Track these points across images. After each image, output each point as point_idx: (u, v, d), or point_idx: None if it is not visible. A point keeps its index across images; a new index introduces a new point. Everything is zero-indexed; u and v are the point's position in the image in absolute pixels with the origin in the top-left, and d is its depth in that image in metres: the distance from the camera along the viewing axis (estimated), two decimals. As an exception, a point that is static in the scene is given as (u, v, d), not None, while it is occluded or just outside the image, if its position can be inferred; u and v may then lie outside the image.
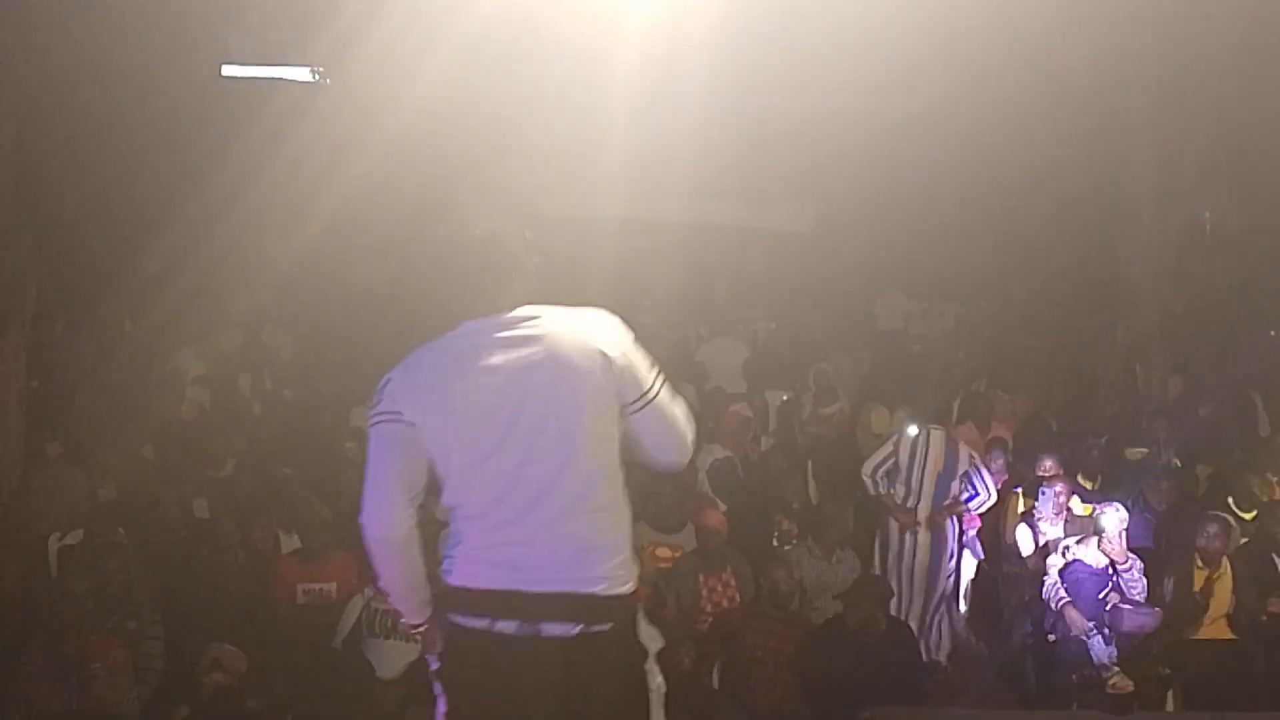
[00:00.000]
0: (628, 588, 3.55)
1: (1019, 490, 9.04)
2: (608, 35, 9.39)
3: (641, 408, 3.57)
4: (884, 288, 13.47)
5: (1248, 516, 8.53)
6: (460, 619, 3.52)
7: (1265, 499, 8.61)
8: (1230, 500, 8.63)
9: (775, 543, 8.34)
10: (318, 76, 14.78)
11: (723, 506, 8.47)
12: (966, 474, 8.66)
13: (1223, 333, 11.52)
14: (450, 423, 3.45)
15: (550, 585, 3.45)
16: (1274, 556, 8.15)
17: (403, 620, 3.77)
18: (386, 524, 3.52)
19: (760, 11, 9.36)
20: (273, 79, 14.68)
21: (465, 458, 3.47)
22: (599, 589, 3.48)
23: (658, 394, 3.60)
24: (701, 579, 7.79)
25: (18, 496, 7.99)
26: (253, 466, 9.07)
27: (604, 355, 3.50)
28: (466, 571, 3.51)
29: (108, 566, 7.37)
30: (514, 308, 3.53)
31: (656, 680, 3.70)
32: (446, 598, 3.55)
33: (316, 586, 7.56)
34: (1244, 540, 8.23)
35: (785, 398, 10.89)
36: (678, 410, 3.67)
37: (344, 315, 11.27)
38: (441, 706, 3.62)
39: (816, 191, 13.99)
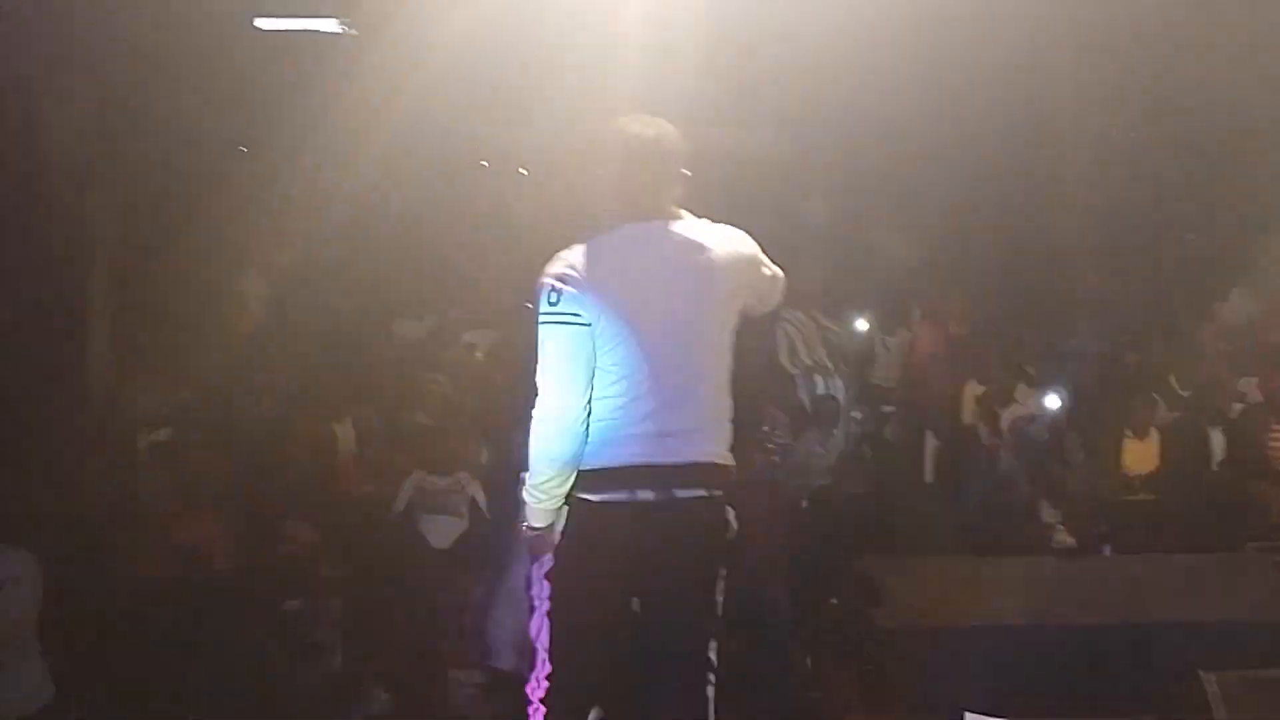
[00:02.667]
0: (730, 460, 3.62)
1: (974, 380, 9.23)
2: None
3: (764, 299, 3.74)
4: (845, 207, 13.46)
5: (1184, 394, 8.75)
6: (597, 496, 3.51)
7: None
8: (1172, 379, 8.81)
9: (766, 430, 8.47)
10: (345, 28, 14.70)
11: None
12: None
13: (1145, 237, 11.62)
14: (621, 321, 3.47)
15: (683, 457, 3.50)
16: (1207, 429, 8.38)
17: (526, 525, 3.62)
18: (571, 417, 3.46)
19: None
20: (303, 30, 14.58)
21: (630, 350, 3.48)
22: (718, 459, 3.56)
23: (773, 281, 3.73)
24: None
25: (111, 402, 8.09)
26: (307, 371, 9.16)
27: (745, 263, 3.61)
28: (611, 453, 3.50)
29: (191, 460, 7.58)
30: (672, 212, 3.57)
31: (728, 563, 3.66)
32: (587, 481, 3.52)
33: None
34: (1174, 415, 8.46)
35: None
36: (780, 284, 3.78)
37: (383, 238, 11.31)
38: (544, 605, 3.58)
39: (790, 117, 13.92)
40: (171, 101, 9.63)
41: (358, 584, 7.19)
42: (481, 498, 7.53)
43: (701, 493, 3.51)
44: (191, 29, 9.66)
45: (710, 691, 3.60)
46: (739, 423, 7.31)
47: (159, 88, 9.12)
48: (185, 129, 9.99)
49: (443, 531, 7.38)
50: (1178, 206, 11.95)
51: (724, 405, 3.60)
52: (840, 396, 9.14)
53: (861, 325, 9.89)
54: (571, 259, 3.51)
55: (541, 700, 3.57)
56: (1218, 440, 8.22)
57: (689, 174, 3.64)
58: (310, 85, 11.87)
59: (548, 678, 3.56)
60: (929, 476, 9.00)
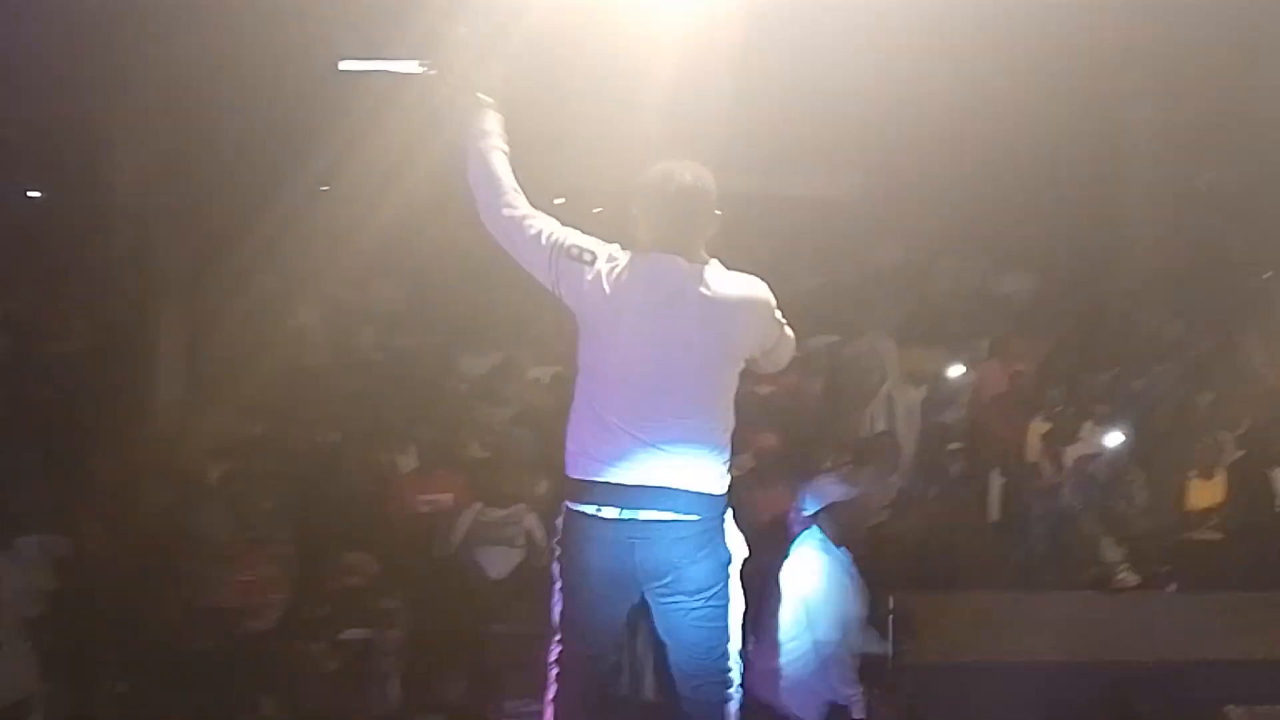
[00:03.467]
0: (717, 489, 3.74)
1: (1040, 417, 9.21)
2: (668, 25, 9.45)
3: (772, 350, 3.87)
4: (914, 250, 13.52)
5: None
6: (573, 505, 3.76)
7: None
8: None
9: (829, 467, 8.49)
10: (424, 68, 14.96)
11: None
12: None
13: (1215, 279, 11.56)
14: (610, 327, 3.67)
15: (649, 480, 3.66)
16: (1265, 471, 8.31)
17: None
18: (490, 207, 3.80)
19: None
20: (385, 71, 14.86)
21: (609, 357, 3.68)
22: (687, 485, 3.68)
23: (780, 339, 3.87)
24: (759, 493, 7.98)
25: (181, 433, 8.31)
26: (371, 404, 9.34)
27: (757, 315, 3.76)
28: (581, 464, 3.72)
29: (255, 492, 7.74)
30: (698, 254, 3.72)
31: (736, 591, 3.84)
32: (567, 488, 3.79)
33: (433, 498, 7.85)
34: (1239, 454, 8.37)
35: (829, 341, 10.97)
36: (791, 338, 3.93)
37: (449, 275, 11.49)
38: (557, 584, 3.86)
39: (857, 161, 14.00)
40: (239, 135, 9.89)
41: (416, 614, 7.30)
42: (538, 530, 7.63)
43: (666, 516, 3.67)
44: (273, 69, 9.96)
45: (730, 707, 3.80)
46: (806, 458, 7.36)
47: (227, 122, 9.37)
48: (252, 162, 10.24)
49: (499, 562, 7.46)
50: (1250, 246, 11.87)
51: (711, 440, 3.72)
52: (903, 432, 9.15)
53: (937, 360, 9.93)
54: (600, 245, 3.74)
55: (554, 661, 3.87)
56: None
57: (719, 213, 3.79)
58: (387, 124, 12.09)
59: (558, 642, 3.85)
60: (994, 514, 8.95)
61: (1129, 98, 11.09)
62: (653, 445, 3.66)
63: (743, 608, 3.88)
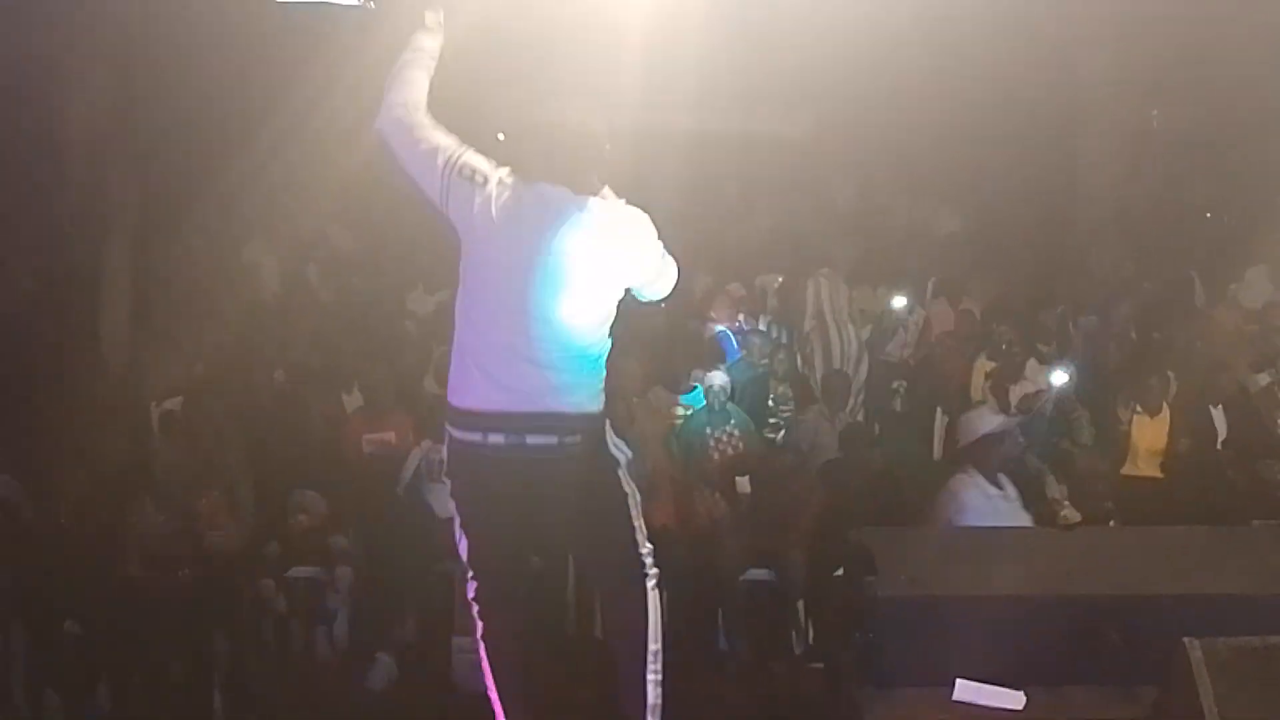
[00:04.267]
0: (594, 407, 3.84)
1: (984, 355, 9.33)
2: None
3: (650, 280, 3.92)
4: (868, 188, 13.57)
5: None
6: (459, 434, 3.81)
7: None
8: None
9: (771, 403, 8.60)
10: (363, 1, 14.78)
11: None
12: None
13: (1167, 218, 11.72)
14: (494, 242, 3.72)
15: (533, 406, 3.73)
16: (1210, 408, 8.47)
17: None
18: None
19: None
20: (324, 3, 14.67)
21: (491, 281, 3.73)
22: (568, 409, 3.77)
23: (660, 271, 3.92)
24: (709, 430, 8.08)
25: (127, 371, 8.29)
26: (321, 342, 9.34)
27: (636, 246, 3.81)
28: (466, 394, 3.77)
29: (203, 430, 7.76)
30: (587, 184, 3.78)
31: (630, 487, 3.94)
32: (450, 415, 3.83)
33: (379, 436, 7.87)
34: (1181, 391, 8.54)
35: (780, 280, 11.05)
36: (670, 275, 3.97)
37: (396, 214, 11.46)
38: (456, 518, 3.93)
39: (811, 99, 14.02)
40: (187, 77, 9.79)
41: (366, 553, 7.36)
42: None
43: (553, 439, 3.74)
44: (213, 5, 9.83)
45: (649, 583, 3.92)
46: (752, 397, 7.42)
47: (175, 64, 9.28)
48: (200, 104, 10.15)
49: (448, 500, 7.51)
50: (1197, 188, 12.02)
51: (588, 363, 3.81)
52: (851, 371, 9.25)
53: (884, 298, 10.02)
54: (492, 168, 3.78)
55: (473, 598, 3.98)
56: (1220, 419, 8.31)
57: (609, 148, 3.85)
58: (326, 59, 11.95)
59: (472, 579, 3.96)
60: (937, 453, 9.08)
61: (1085, 38, 11.16)
62: (532, 373, 3.73)
63: (639, 498, 3.96)
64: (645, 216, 3.84)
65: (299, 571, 7.20)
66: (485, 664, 3.99)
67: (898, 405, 9.48)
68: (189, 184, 9.92)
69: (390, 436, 7.79)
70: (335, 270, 10.80)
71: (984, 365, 9.17)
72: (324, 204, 11.13)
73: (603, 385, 3.88)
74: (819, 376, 9.11)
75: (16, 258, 8.28)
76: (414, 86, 3.88)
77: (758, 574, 7.35)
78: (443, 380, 8.42)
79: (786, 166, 14.10)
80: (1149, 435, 8.21)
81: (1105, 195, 11.58)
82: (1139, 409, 8.20)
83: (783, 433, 8.32)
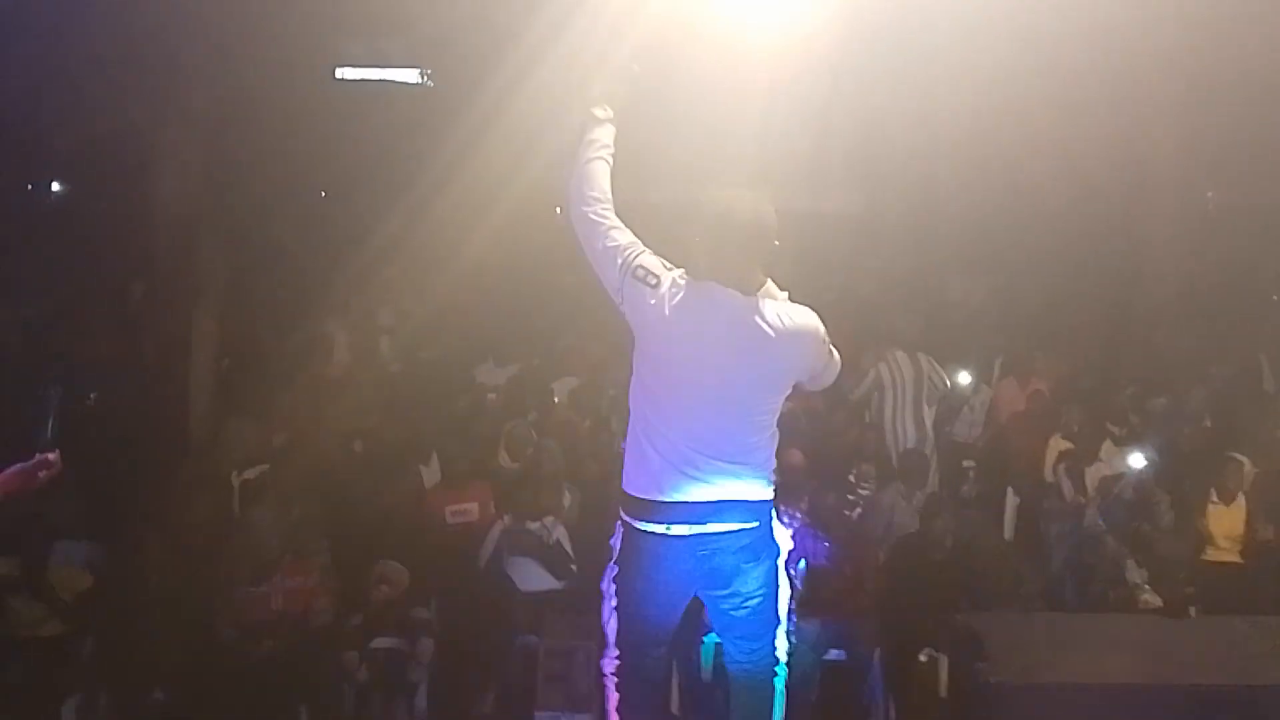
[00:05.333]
0: (767, 495, 4.01)
1: (1057, 436, 9.37)
2: (693, 42, 9.63)
3: (817, 374, 4.09)
4: (928, 264, 13.69)
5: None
6: (639, 524, 3.96)
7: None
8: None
9: (852, 480, 8.64)
10: (425, 78, 15.11)
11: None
12: None
13: (1235, 299, 11.77)
14: (667, 352, 3.90)
15: (713, 495, 3.90)
16: (1283, 495, 8.48)
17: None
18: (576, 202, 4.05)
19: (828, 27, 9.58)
20: (383, 80, 15.02)
21: (668, 380, 3.91)
22: (747, 496, 3.93)
23: (828, 364, 4.09)
24: (782, 507, 8.09)
25: (211, 441, 8.44)
26: (394, 414, 9.48)
27: (808, 347, 3.96)
28: (645, 485, 3.93)
29: (284, 499, 7.86)
30: (755, 282, 3.93)
31: (785, 579, 4.11)
32: (627, 504, 3.99)
33: (461, 508, 8.00)
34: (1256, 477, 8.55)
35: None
36: (835, 366, 4.15)
37: (464, 289, 11.64)
38: (611, 601, 4.09)
39: (866, 179, 14.21)
40: (265, 154, 10.04)
41: (446, 625, 7.44)
42: (566, 541, 7.78)
43: (732, 526, 3.91)
44: (279, 80, 10.08)
45: (778, 683, 4.10)
46: (827, 474, 7.53)
47: (256, 141, 9.53)
48: (277, 180, 10.41)
49: (529, 574, 7.61)
50: (1264, 269, 12.08)
51: (761, 458, 3.97)
52: (928, 450, 9.32)
53: (955, 377, 10.10)
54: (665, 270, 3.95)
55: (613, 673, 4.12)
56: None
57: (778, 244, 3.99)
58: (393, 134, 12.26)
59: (616, 658, 4.09)
60: (1008, 533, 9.10)
61: (1150, 116, 11.30)
62: (711, 464, 3.89)
63: (789, 593, 4.12)
64: (815, 315, 3.99)
65: (381, 642, 7.26)
66: None
67: (968, 486, 9.51)
68: (268, 257, 10.14)
69: (473, 508, 7.91)
70: (405, 343, 10.97)
71: (1058, 445, 9.22)
72: (392, 276, 11.39)
73: (773, 474, 4.02)
74: (894, 455, 9.17)
75: (109, 325, 8.49)
76: (600, 180, 4.06)
77: (834, 654, 7.38)
78: (515, 454, 8.66)
79: (847, 244, 14.27)
80: (1225, 523, 8.24)
81: (1170, 275, 11.66)
82: (1215, 497, 8.23)
83: (858, 510, 8.37)
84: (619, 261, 3.93)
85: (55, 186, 12.10)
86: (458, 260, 11.92)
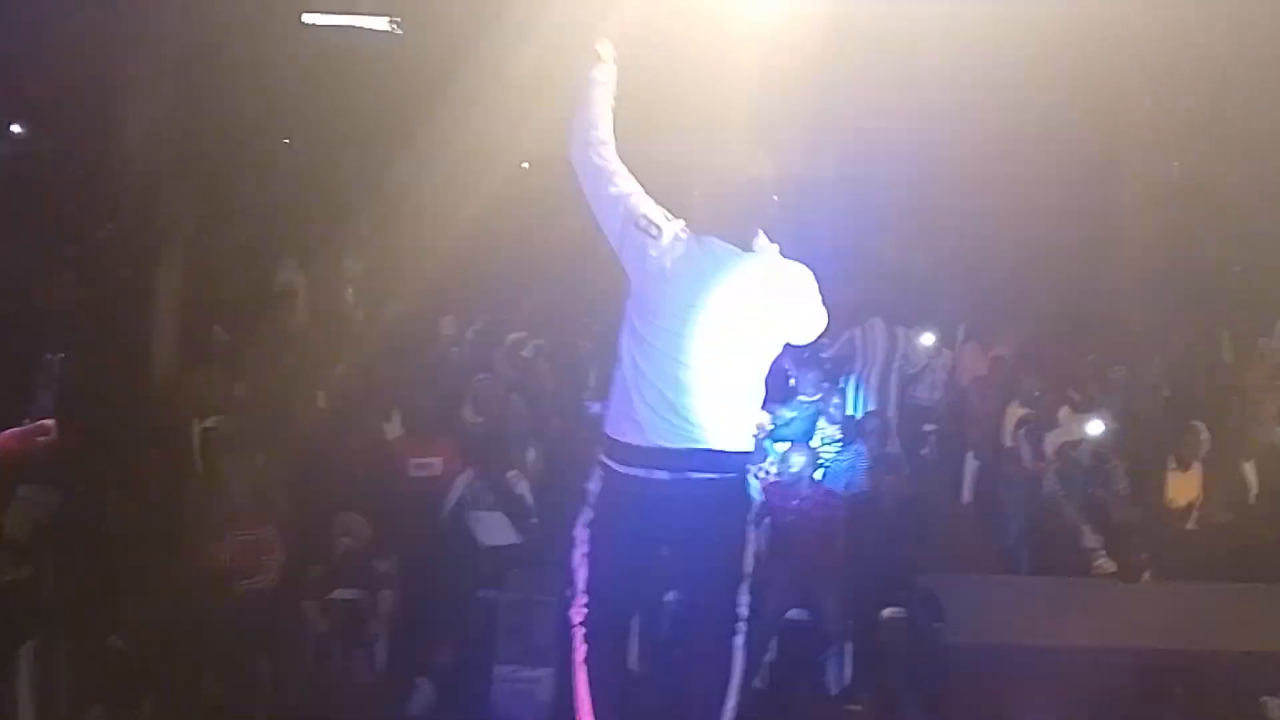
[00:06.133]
0: (749, 446, 4.00)
1: (1017, 402, 9.43)
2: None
3: (805, 328, 4.03)
4: (897, 230, 13.68)
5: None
6: (620, 468, 3.95)
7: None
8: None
9: (814, 442, 8.66)
10: (394, 26, 14.94)
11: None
12: None
13: (1197, 270, 11.86)
14: (662, 297, 3.88)
15: (697, 443, 3.87)
16: (1241, 463, 8.58)
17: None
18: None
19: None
20: (351, 27, 14.82)
21: (660, 328, 3.88)
22: (729, 446, 3.90)
23: (814, 321, 4.03)
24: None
25: (173, 391, 8.37)
26: (359, 366, 9.42)
27: (803, 305, 3.94)
28: (630, 429, 3.92)
29: (243, 449, 7.82)
30: (751, 236, 3.92)
31: (752, 533, 4.04)
32: (610, 448, 3.96)
33: (425, 461, 7.98)
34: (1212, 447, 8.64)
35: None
36: (821, 322, 4.07)
37: (431, 240, 11.58)
38: (584, 548, 4.02)
39: (842, 143, 14.17)
40: (230, 99, 9.90)
41: (407, 578, 7.44)
42: (529, 496, 7.79)
43: (713, 475, 3.90)
44: (248, 27, 9.94)
45: (738, 640, 4.03)
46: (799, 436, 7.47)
47: (221, 86, 9.39)
48: (240, 126, 10.25)
49: (491, 528, 7.61)
50: (1224, 242, 12.16)
51: (746, 410, 3.96)
52: (890, 414, 9.37)
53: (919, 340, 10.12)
54: (666, 221, 3.93)
55: (581, 623, 4.05)
56: (1252, 475, 8.42)
57: (776, 199, 3.99)
58: (360, 83, 12.11)
59: (584, 605, 4.03)
60: (966, 496, 9.18)
61: (1118, 90, 11.33)
62: (697, 413, 3.88)
63: (753, 549, 4.08)
64: (808, 271, 3.98)
65: (342, 594, 7.26)
66: (582, 687, 4.05)
67: (928, 450, 9.57)
68: (233, 206, 10.03)
69: (437, 463, 7.89)
70: (370, 294, 10.89)
71: (1016, 411, 9.28)
72: (358, 227, 11.28)
73: (755, 426, 4.03)
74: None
75: (69, 268, 8.39)
76: (602, 122, 4.04)
77: (796, 614, 7.43)
78: (481, 409, 8.63)
79: (811, 208, 14.20)
80: (1182, 490, 8.33)
81: (1133, 245, 11.73)
82: (1172, 464, 8.32)
83: (821, 471, 8.41)
84: (621, 209, 3.94)
85: (16, 129, 11.90)
86: (424, 211, 11.85)
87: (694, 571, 4.10)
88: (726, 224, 3.91)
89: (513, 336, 10.16)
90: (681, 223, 3.95)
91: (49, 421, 4.07)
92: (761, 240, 3.99)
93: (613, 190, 3.96)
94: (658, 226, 3.91)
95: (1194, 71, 10.82)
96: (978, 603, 4.84)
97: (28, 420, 4.14)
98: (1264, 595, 5.44)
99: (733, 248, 3.90)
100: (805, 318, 4.01)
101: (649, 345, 3.92)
